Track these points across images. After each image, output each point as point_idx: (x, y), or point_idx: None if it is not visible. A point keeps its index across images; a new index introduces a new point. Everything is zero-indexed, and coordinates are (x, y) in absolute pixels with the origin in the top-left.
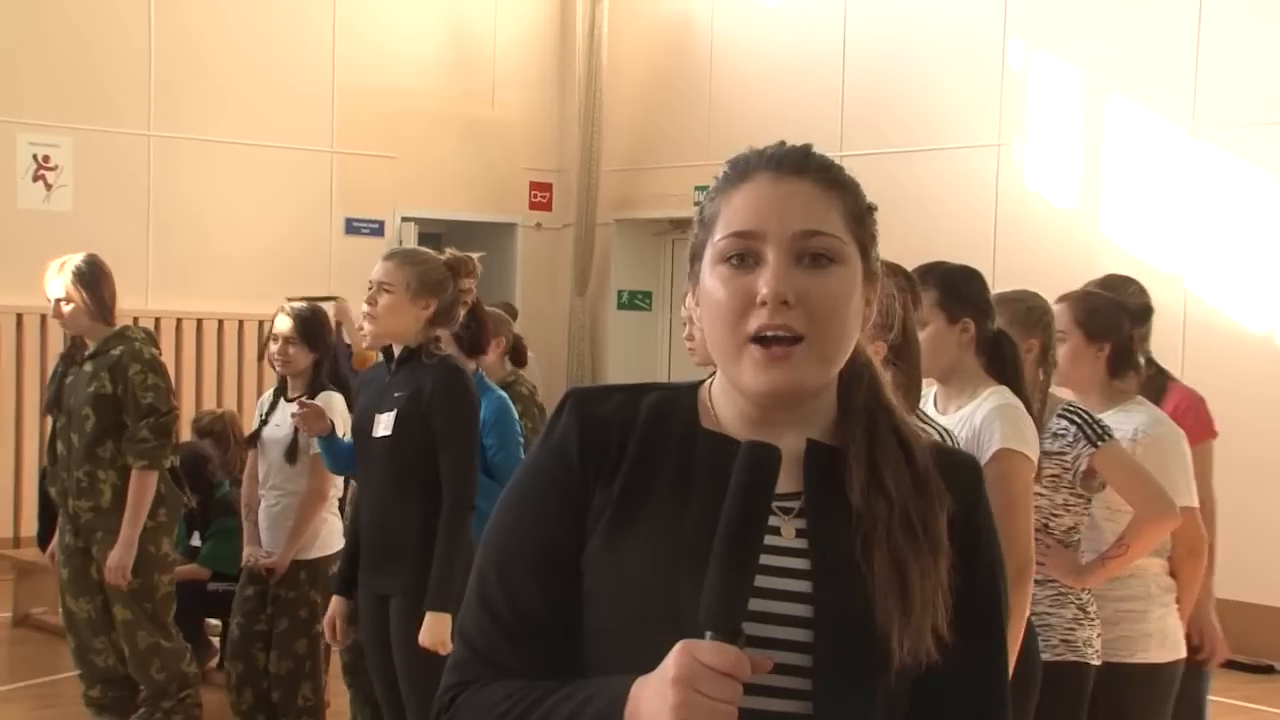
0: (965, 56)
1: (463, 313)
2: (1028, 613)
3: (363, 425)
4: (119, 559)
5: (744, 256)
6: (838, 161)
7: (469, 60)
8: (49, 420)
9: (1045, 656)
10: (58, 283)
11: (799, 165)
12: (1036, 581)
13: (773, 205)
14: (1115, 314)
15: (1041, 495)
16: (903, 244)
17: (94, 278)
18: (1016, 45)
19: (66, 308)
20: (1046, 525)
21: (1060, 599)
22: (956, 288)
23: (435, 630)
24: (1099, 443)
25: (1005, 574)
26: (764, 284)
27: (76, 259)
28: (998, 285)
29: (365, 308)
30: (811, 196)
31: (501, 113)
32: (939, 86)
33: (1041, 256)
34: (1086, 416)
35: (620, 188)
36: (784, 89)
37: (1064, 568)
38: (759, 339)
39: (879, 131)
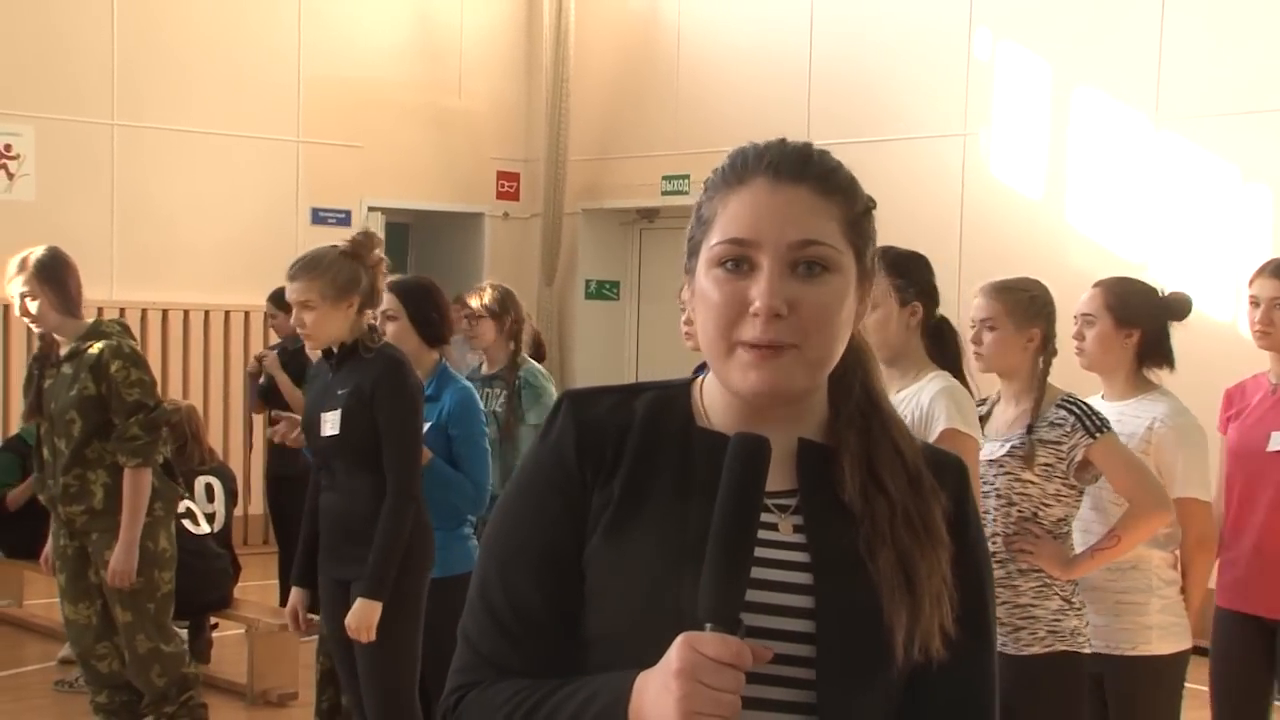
0: (931, 46)
1: (384, 284)
2: None
3: (311, 421)
4: (122, 563)
5: (739, 262)
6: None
7: (436, 50)
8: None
9: (1034, 649)
10: (19, 280)
11: (797, 172)
12: (1021, 571)
13: (769, 213)
14: (1148, 302)
15: (1033, 484)
16: None
17: (56, 270)
18: (982, 35)
19: (32, 304)
20: (1036, 515)
21: (1045, 590)
22: (908, 272)
23: (363, 616)
24: (1097, 434)
25: (991, 572)
26: (757, 295)
27: (37, 252)
28: (963, 275)
29: (298, 329)
30: (809, 205)
31: (468, 102)
32: (905, 76)
33: (1007, 246)
34: (1086, 407)
35: (588, 177)
36: (751, 79)
37: (1052, 559)
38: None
39: (845, 121)
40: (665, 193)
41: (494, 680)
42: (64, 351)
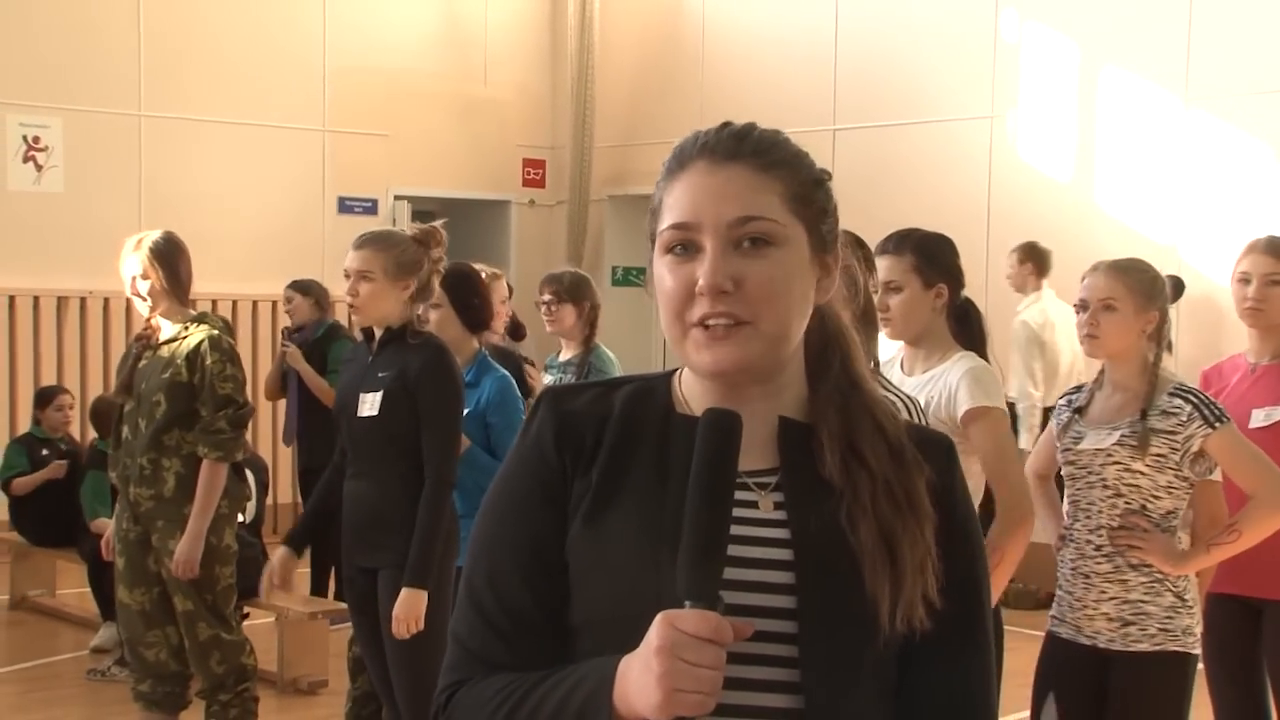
0: (958, 28)
1: (437, 282)
2: (1019, 559)
3: (347, 404)
4: (187, 552)
5: (685, 246)
6: (799, 135)
7: (461, 38)
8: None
9: (1142, 646)
10: (134, 259)
11: (733, 151)
12: (1132, 566)
13: (707, 194)
14: (1162, 287)
15: (1143, 475)
16: (896, 217)
17: (170, 254)
18: (1009, 16)
19: (143, 285)
20: (1145, 507)
21: (1156, 586)
22: (933, 255)
23: (410, 605)
24: (1216, 424)
25: (983, 548)
26: (701, 275)
27: (154, 235)
28: (991, 258)
29: (348, 298)
30: (746, 182)
31: (494, 90)
32: (932, 59)
33: (1036, 228)
34: (1203, 396)
35: (613, 164)
36: (776, 63)
37: (1163, 554)
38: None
39: (872, 105)
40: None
41: (484, 676)
42: (164, 335)
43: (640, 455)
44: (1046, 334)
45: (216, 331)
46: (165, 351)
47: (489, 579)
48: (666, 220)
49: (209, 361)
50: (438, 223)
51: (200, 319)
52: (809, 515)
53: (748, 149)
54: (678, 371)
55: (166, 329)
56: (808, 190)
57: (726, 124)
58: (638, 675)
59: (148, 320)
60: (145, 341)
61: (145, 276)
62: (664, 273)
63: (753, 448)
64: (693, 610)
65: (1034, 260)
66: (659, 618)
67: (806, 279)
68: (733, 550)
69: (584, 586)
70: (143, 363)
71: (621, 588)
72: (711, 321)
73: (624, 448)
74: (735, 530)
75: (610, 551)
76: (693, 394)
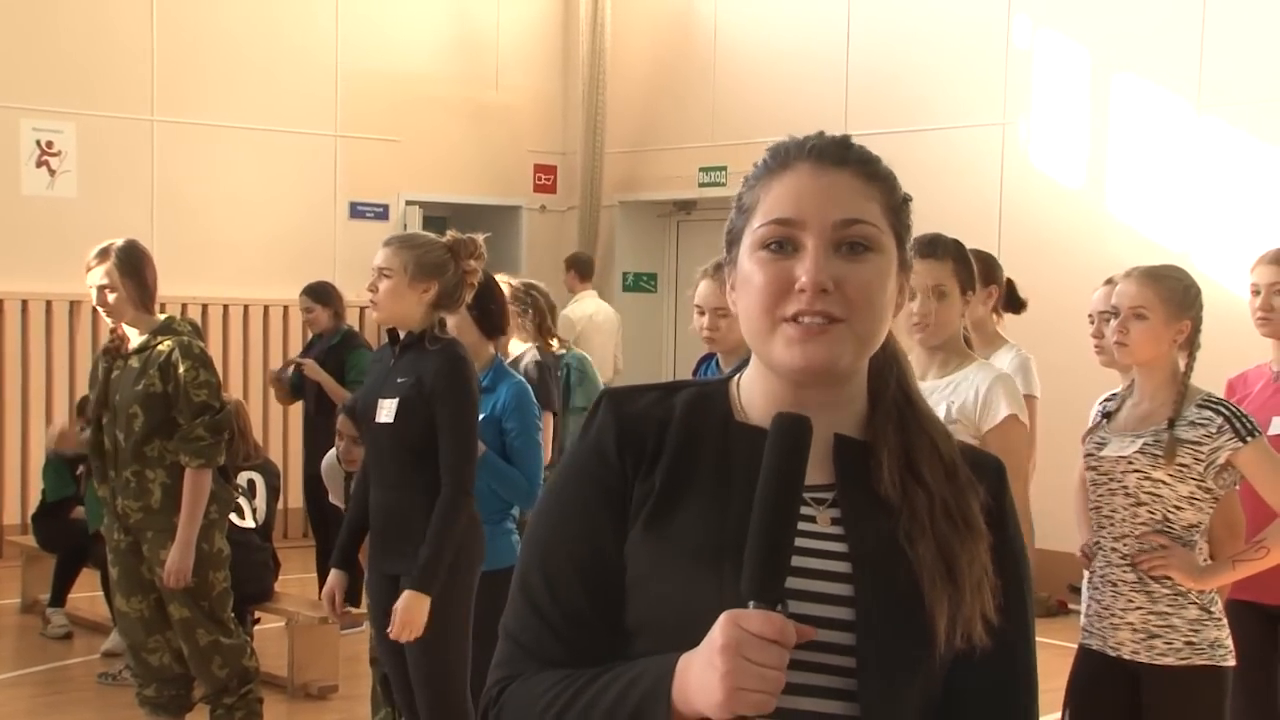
0: (970, 35)
1: (469, 295)
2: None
3: (367, 409)
4: (178, 562)
5: (783, 243)
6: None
7: (473, 43)
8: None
9: (1168, 660)
10: (99, 271)
11: (840, 157)
12: (1154, 579)
13: (813, 194)
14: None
15: (1164, 485)
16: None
17: (136, 263)
18: (1021, 23)
19: (111, 296)
20: (1166, 518)
21: (1179, 599)
22: (968, 260)
23: (411, 609)
24: (1248, 438)
25: (1029, 568)
26: (803, 272)
27: (117, 244)
28: (1004, 265)
29: (368, 294)
30: (852, 187)
31: (505, 96)
32: (943, 66)
33: (1047, 235)
34: (1235, 409)
35: (624, 170)
36: (788, 70)
37: (1184, 569)
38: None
39: (883, 112)
40: (702, 184)
41: (536, 671)
42: (133, 345)
43: (702, 463)
44: (582, 325)
45: (186, 338)
46: (136, 361)
47: (545, 578)
48: (764, 216)
49: (181, 370)
50: (479, 235)
51: (168, 325)
52: (867, 531)
53: (853, 157)
54: (735, 378)
55: (135, 338)
56: (899, 206)
57: (822, 132)
58: (699, 673)
59: (114, 330)
60: (115, 352)
61: (113, 289)
62: (754, 268)
63: (810, 463)
64: (758, 610)
65: (576, 268)
66: (724, 616)
67: (892, 290)
68: (793, 561)
69: (642, 591)
70: (115, 374)
71: (681, 595)
72: (807, 319)
73: (686, 453)
74: (795, 542)
75: (671, 558)
76: (752, 402)
